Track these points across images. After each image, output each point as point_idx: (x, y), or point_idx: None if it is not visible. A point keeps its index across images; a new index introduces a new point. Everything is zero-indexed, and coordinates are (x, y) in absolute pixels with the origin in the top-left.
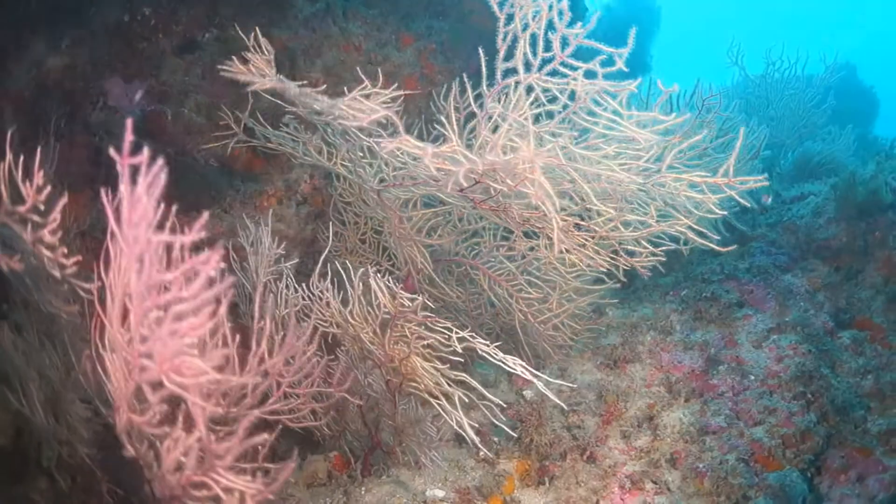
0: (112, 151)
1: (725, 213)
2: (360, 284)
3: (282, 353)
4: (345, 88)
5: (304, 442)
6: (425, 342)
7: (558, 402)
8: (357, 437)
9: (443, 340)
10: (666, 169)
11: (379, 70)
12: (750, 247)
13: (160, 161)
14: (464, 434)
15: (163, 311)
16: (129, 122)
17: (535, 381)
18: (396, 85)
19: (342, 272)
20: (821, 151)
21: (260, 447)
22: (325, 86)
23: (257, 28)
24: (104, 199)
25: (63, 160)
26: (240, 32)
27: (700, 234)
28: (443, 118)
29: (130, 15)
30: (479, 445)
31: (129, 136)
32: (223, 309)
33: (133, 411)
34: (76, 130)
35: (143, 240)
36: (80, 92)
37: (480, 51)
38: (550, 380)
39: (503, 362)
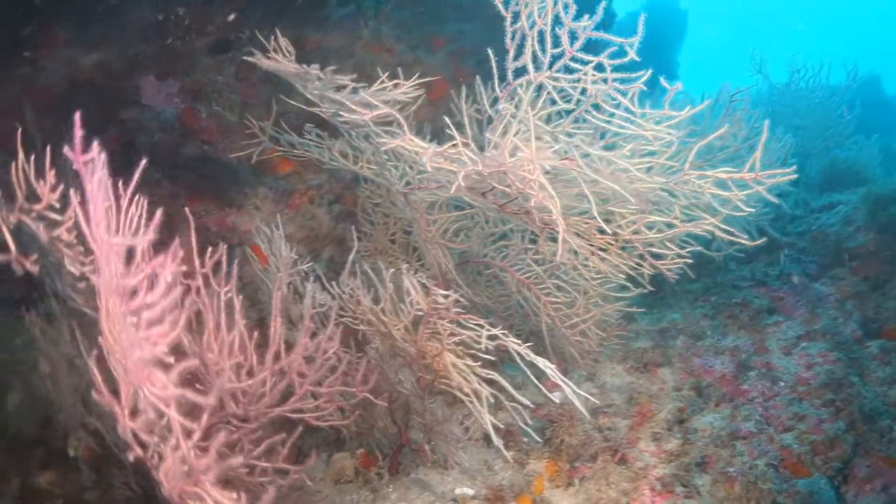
0: (66, 149)
1: (753, 210)
2: (392, 283)
3: (297, 351)
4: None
5: (330, 439)
6: (458, 339)
7: (584, 411)
8: (385, 434)
9: (475, 338)
10: (690, 167)
11: (410, 72)
12: (780, 254)
13: (102, 158)
14: (493, 435)
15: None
16: (77, 117)
17: (563, 386)
18: (421, 93)
19: (371, 272)
20: (847, 160)
21: (281, 445)
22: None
23: (289, 29)
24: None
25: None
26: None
27: (728, 233)
28: (458, 120)
29: (164, 14)
30: (503, 449)
31: (78, 132)
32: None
33: (132, 414)
34: (109, 128)
35: (101, 241)
36: (112, 89)
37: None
38: (578, 391)
39: (535, 361)
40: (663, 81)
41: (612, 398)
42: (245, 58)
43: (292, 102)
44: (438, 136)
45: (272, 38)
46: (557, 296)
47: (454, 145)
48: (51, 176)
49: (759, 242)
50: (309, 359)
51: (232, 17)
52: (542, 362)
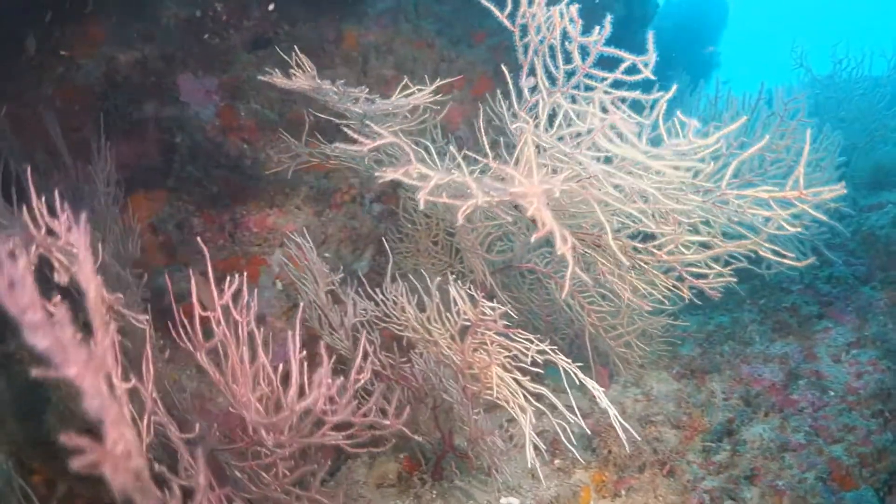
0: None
1: (798, 228)
2: (437, 291)
3: (317, 391)
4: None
5: (373, 440)
6: (507, 354)
7: (624, 423)
8: (428, 439)
9: (522, 351)
10: (727, 185)
11: (452, 68)
12: (829, 256)
13: None
14: (538, 445)
15: None
16: None
17: (603, 403)
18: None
19: (414, 279)
20: (894, 156)
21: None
22: (396, 83)
23: (328, 24)
24: None
25: (135, 155)
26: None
27: (775, 253)
28: (497, 125)
29: (202, 10)
30: (533, 459)
31: None
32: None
33: None
34: (148, 126)
35: None
36: (151, 87)
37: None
38: (609, 409)
39: (584, 382)
40: (680, 115)
41: (659, 406)
42: (259, 77)
43: (322, 116)
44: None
45: (321, 33)
46: (602, 304)
47: (477, 160)
48: (64, 218)
49: (807, 262)
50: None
51: (271, 6)
52: (590, 384)
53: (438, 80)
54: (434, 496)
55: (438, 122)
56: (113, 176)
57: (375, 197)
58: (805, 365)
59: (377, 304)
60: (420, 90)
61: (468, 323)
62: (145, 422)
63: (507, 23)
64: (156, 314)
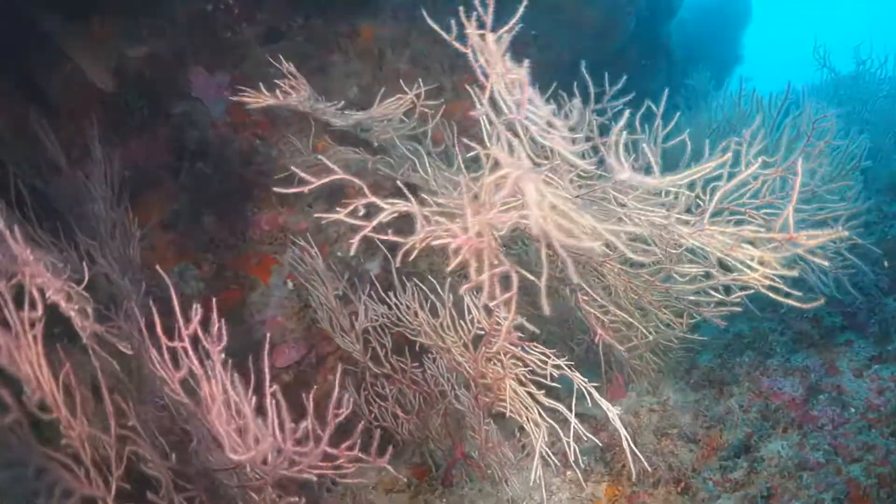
0: None
1: (795, 273)
2: (451, 294)
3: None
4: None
5: (383, 441)
6: (522, 369)
7: (634, 449)
8: (439, 445)
9: (537, 364)
10: (714, 219)
11: (469, 62)
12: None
13: None
14: (549, 459)
15: None
16: None
17: (616, 424)
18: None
19: (424, 286)
20: None
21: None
22: (412, 78)
23: (341, 18)
24: None
25: (146, 152)
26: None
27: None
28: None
29: (214, 4)
30: (539, 477)
31: None
32: None
33: None
34: (159, 122)
35: None
36: (162, 83)
37: None
38: (621, 431)
39: (599, 402)
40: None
41: (675, 418)
42: (233, 98)
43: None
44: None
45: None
46: (616, 315)
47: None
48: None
49: (816, 304)
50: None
51: None
52: (605, 405)
53: (454, 74)
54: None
55: (452, 121)
56: (117, 177)
57: (388, 193)
58: (826, 379)
59: (389, 308)
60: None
61: (482, 332)
62: None
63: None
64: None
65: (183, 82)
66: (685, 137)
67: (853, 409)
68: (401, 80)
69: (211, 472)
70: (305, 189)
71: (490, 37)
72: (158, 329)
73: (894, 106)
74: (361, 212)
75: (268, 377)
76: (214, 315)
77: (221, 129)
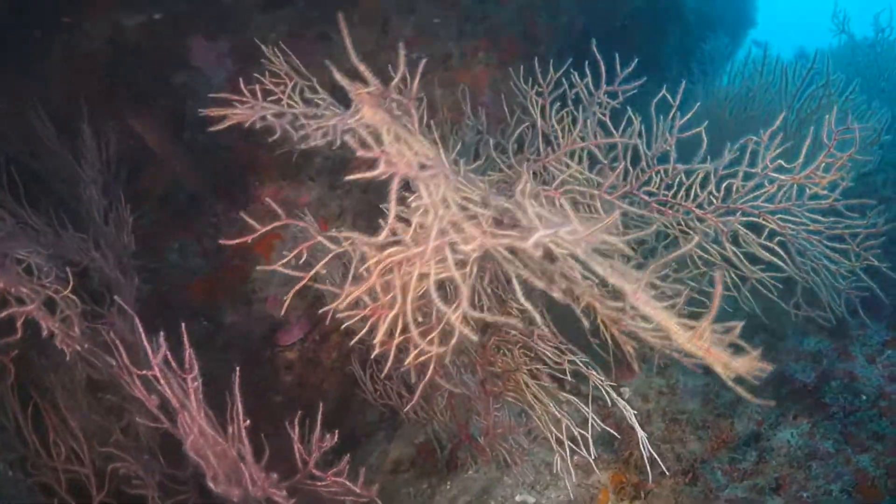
0: None
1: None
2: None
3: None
4: None
5: (387, 416)
6: (532, 358)
7: (639, 430)
8: (444, 427)
9: (548, 356)
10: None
11: (477, 28)
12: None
13: None
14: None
15: None
16: None
17: (621, 404)
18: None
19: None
20: None
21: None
22: (418, 44)
23: None
24: None
25: (145, 125)
26: None
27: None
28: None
29: None
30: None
31: None
32: None
33: None
34: (158, 93)
35: None
36: (160, 52)
37: None
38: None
39: (616, 401)
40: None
41: (685, 403)
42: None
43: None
44: (506, 102)
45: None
46: (611, 305)
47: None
48: None
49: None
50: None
51: None
52: (622, 404)
53: (463, 39)
54: (448, 487)
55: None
56: (114, 153)
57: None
58: (839, 364)
59: None
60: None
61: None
62: None
63: None
64: (157, 300)
65: (182, 51)
66: (698, 112)
67: (864, 397)
68: (406, 47)
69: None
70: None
71: None
72: (125, 359)
73: None
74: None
75: (240, 414)
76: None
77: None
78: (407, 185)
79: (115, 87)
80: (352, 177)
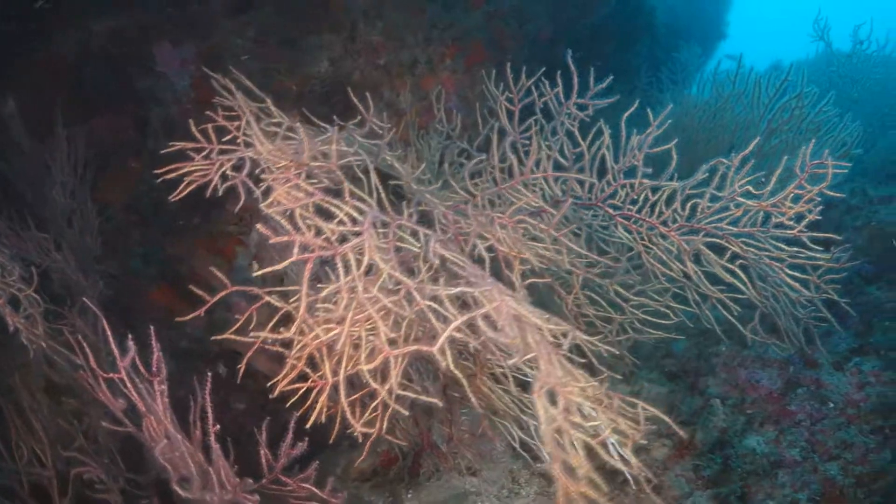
0: None
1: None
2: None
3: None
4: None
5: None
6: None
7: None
8: (406, 434)
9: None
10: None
11: (444, 35)
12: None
13: None
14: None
15: None
16: None
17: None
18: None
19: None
20: None
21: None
22: (385, 50)
23: None
24: None
25: (110, 130)
26: None
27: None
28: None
29: None
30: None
31: None
32: None
33: None
34: (124, 98)
35: None
36: (127, 57)
37: None
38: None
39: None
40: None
41: (649, 411)
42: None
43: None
44: (471, 111)
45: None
46: (588, 310)
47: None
48: None
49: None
50: None
51: None
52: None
53: (430, 46)
54: (410, 496)
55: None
56: (81, 158)
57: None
58: (806, 371)
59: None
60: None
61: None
62: None
63: None
64: (122, 306)
65: (147, 56)
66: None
67: (832, 405)
68: (373, 53)
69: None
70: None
71: None
72: (92, 362)
73: (884, 88)
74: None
75: (210, 417)
76: (155, 346)
77: (186, 105)
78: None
79: (83, 91)
80: (262, 272)
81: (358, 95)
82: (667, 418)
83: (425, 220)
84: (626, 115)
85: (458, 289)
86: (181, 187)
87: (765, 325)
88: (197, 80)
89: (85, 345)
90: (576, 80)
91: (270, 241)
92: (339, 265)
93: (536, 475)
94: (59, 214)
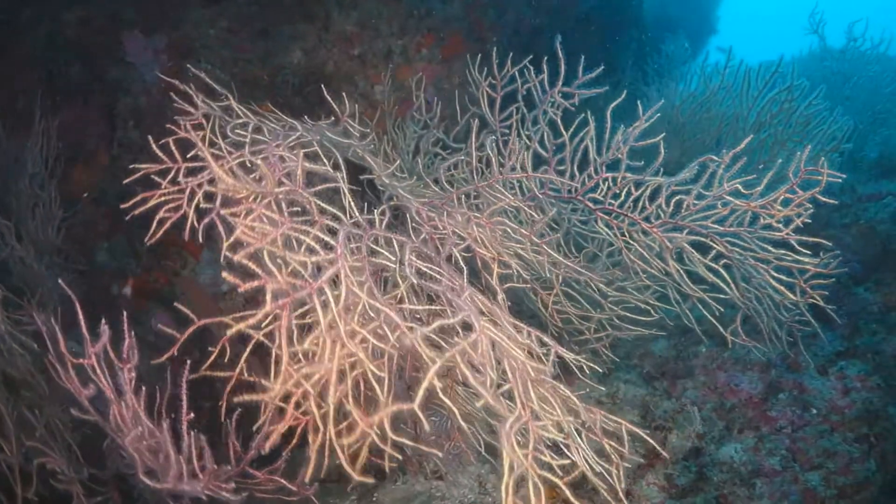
0: None
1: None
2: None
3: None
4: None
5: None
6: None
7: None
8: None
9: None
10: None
11: (421, 24)
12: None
13: None
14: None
15: None
16: None
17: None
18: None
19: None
20: None
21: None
22: (360, 40)
23: None
24: None
25: (79, 121)
26: None
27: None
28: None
29: None
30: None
31: None
32: None
33: None
34: (93, 89)
35: None
36: (97, 47)
37: None
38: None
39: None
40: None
41: (623, 414)
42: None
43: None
44: (450, 101)
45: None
46: (567, 305)
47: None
48: None
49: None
50: None
51: None
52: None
53: (405, 36)
54: (374, 500)
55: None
56: (53, 152)
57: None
58: (788, 375)
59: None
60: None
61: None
62: None
63: None
64: (88, 299)
65: (117, 46)
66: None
67: (815, 411)
68: (347, 43)
69: (125, 474)
70: None
71: None
72: (62, 346)
73: (876, 87)
74: None
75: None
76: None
77: (156, 96)
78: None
79: (53, 83)
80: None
81: (332, 86)
82: (642, 432)
83: (398, 215)
84: (613, 105)
85: (437, 324)
86: (152, 229)
87: (747, 326)
88: (167, 70)
89: (45, 332)
90: (563, 67)
91: (240, 290)
92: (317, 302)
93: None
94: (23, 205)
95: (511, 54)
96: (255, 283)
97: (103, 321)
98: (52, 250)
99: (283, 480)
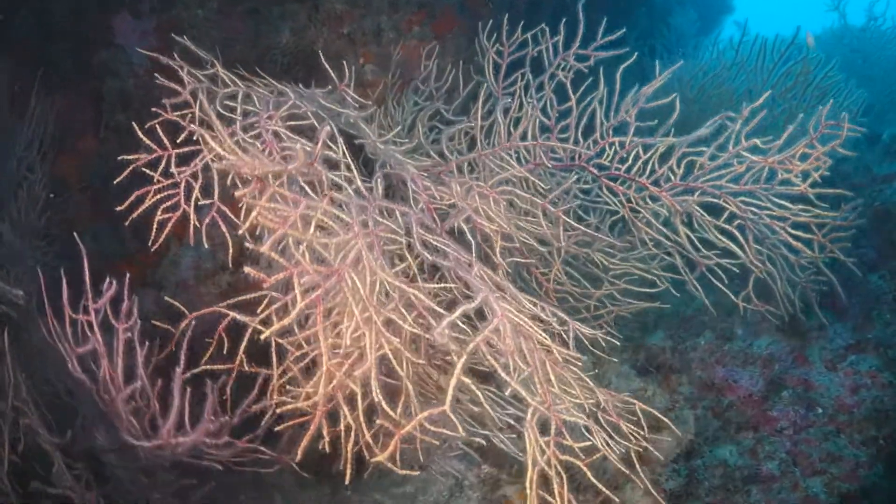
0: None
1: None
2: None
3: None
4: None
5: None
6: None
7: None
8: (348, 428)
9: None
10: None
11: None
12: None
13: None
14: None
15: None
16: None
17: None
18: None
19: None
20: None
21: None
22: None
23: None
24: None
25: (69, 107)
26: None
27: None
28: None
29: None
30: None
31: None
32: None
33: None
34: (83, 74)
35: None
36: (86, 30)
37: None
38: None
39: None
40: None
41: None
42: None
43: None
44: (445, 79)
45: None
46: (564, 283)
47: None
48: None
49: None
50: None
51: None
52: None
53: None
54: (349, 493)
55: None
56: (48, 138)
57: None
58: (793, 370)
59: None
60: None
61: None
62: None
63: None
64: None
65: (106, 28)
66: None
67: (820, 410)
68: (337, 22)
69: (98, 451)
70: None
71: None
72: (65, 299)
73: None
74: None
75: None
76: (126, 291)
77: (144, 78)
78: None
79: (42, 64)
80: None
81: (320, 66)
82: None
83: (389, 185)
84: (624, 66)
85: (460, 310)
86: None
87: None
88: (154, 51)
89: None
90: (581, 27)
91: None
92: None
93: (481, 480)
94: (7, 186)
95: (507, 28)
96: (282, 275)
97: (108, 279)
98: (32, 232)
99: (262, 448)
